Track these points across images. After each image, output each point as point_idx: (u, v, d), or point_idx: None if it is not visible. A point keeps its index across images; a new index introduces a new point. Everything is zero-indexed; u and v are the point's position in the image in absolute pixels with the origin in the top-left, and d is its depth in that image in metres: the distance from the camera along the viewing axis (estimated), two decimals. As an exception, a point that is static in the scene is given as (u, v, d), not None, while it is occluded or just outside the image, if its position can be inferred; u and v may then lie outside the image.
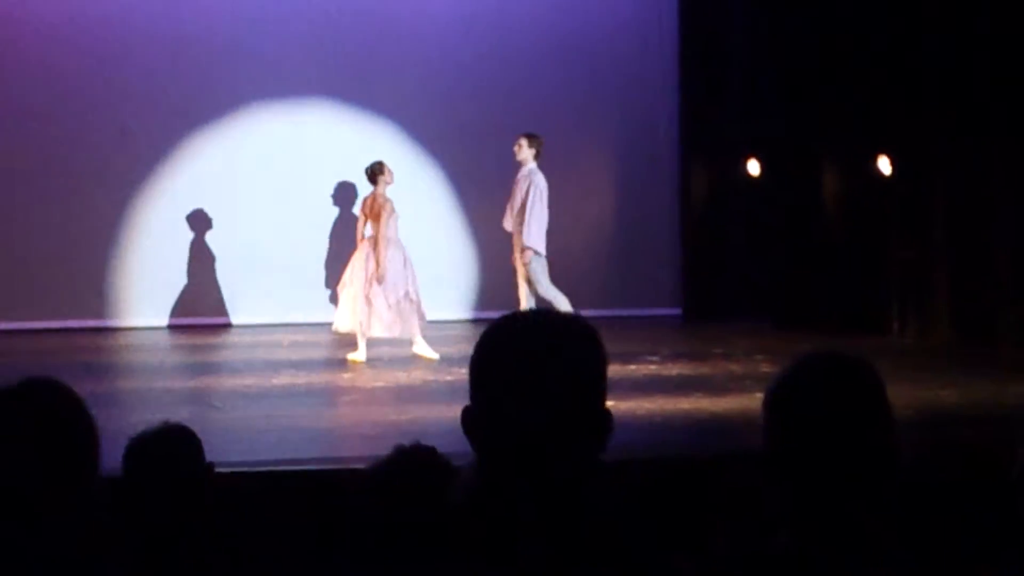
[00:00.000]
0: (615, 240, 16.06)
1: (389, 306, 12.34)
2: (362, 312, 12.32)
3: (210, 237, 15.54)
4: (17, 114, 15.03)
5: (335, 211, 15.63)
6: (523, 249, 12.78)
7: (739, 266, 15.57)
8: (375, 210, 12.47)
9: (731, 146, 15.73)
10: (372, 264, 12.34)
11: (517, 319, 2.30)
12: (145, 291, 15.38)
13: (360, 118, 15.69)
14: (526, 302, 12.84)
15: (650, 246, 16.03)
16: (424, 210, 15.15)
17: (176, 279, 15.54)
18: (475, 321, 15.42)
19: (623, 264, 15.96)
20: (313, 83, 15.59)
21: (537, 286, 12.81)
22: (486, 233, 15.22)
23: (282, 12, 15.49)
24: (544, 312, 2.32)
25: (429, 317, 12.79)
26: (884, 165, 14.10)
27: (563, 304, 12.48)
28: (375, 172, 12.66)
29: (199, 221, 15.49)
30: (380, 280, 12.27)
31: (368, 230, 12.56)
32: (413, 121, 15.68)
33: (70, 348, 13.49)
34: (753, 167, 15.57)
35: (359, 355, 12.36)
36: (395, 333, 12.45)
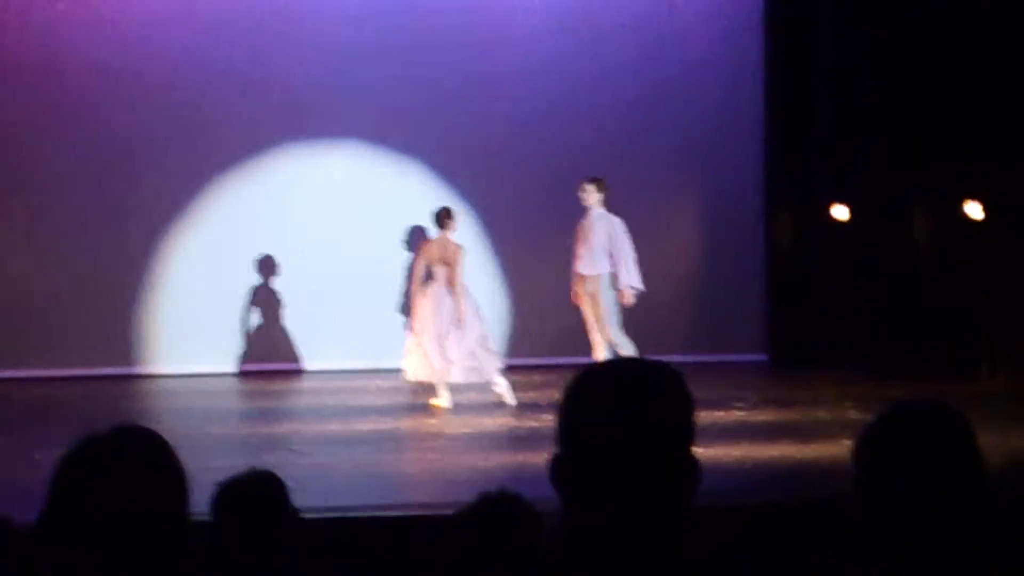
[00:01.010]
0: (701, 285, 16.00)
1: (468, 352, 12.35)
2: (439, 359, 12.31)
3: (271, 282, 15.55)
4: (57, 154, 15.06)
5: (389, 253, 15.61)
6: (618, 290, 12.75)
7: (826, 312, 15.45)
8: (446, 256, 12.46)
9: (818, 191, 15.66)
10: (447, 310, 12.34)
11: (605, 366, 2.29)
12: (204, 337, 15.33)
13: (413, 163, 15.72)
14: (601, 347, 12.80)
15: (736, 291, 15.96)
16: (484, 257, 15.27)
17: (235, 325, 15.52)
18: (506, 368, 15.41)
19: (709, 309, 15.90)
20: (375, 126, 15.59)
21: (610, 328, 12.78)
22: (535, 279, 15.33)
23: (334, 50, 15.52)
24: (632, 360, 2.31)
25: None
26: (974, 210, 13.97)
27: (630, 350, 12.49)
28: (446, 217, 12.66)
29: (263, 265, 15.51)
30: (462, 325, 12.30)
31: (428, 275, 12.53)
32: (484, 172, 15.70)
33: (140, 394, 13.59)
34: (840, 212, 15.47)
35: (443, 401, 12.37)
36: (474, 378, 12.46)
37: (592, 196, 12.90)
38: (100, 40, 15.17)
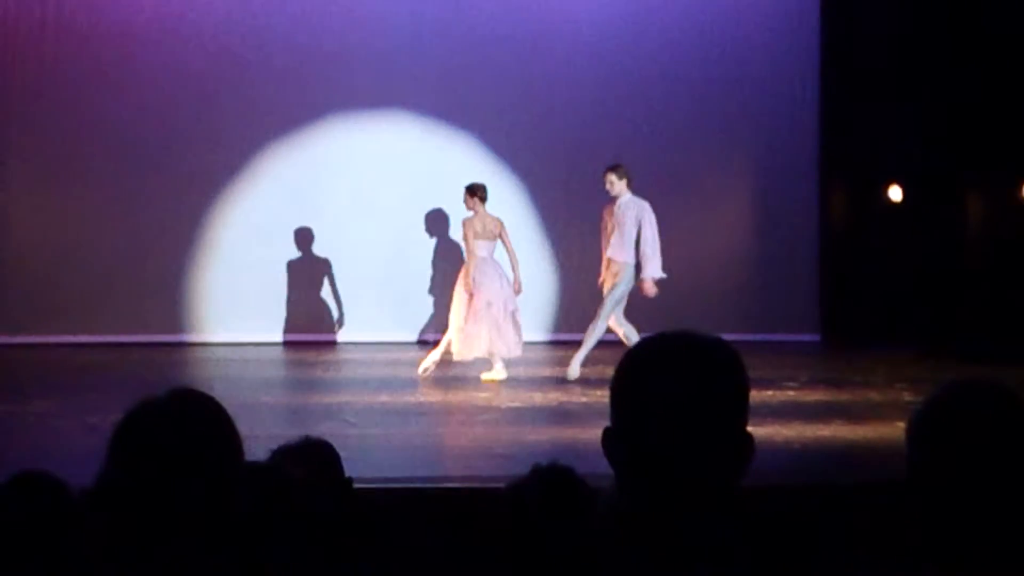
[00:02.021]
0: (755, 265, 15.95)
1: (513, 324, 12.45)
2: (496, 334, 12.38)
3: (315, 253, 15.60)
4: (110, 122, 15.15)
5: (426, 229, 15.65)
6: (641, 280, 12.65)
7: (879, 293, 15.39)
8: (490, 230, 12.53)
9: (872, 171, 15.57)
10: (498, 284, 12.43)
11: (659, 340, 2.29)
12: (251, 306, 15.41)
13: (457, 135, 15.71)
14: (622, 326, 12.69)
15: (789, 271, 15.90)
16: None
17: (276, 295, 15.57)
18: (555, 343, 15.38)
19: (762, 289, 15.85)
20: (431, 99, 15.62)
21: (607, 312, 12.65)
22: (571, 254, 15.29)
23: (382, 20, 15.53)
24: (687, 334, 2.31)
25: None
26: (1030, 192, 13.87)
27: (634, 336, 12.47)
28: (484, 193, 12.74)
29: (305, 236, 15.56)
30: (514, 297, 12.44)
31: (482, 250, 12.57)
32: (538, 142, 15.69)
33: (189, 362, 13.66)
34: (895, 193, 15.39)
35: (496, 374, 12.40)
36: (517, 352, 12.52)
37: (616, 184, 12.76)
38: (146, 6, 15.22)
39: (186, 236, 15.36)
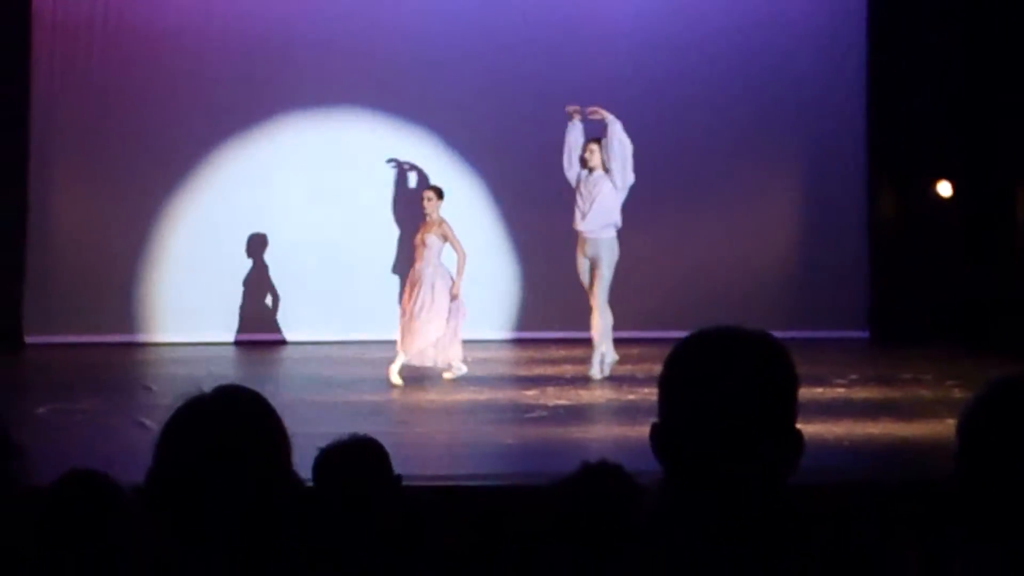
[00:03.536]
0: (803, 261, 15.88)
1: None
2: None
3: (264, 253, 15.42)
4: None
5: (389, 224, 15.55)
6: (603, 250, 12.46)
7: (928, 289, 15.30)
8: (443, 231, 12.36)
9: (921, 167, 15.48)
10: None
11: (709, 336, 2.29)
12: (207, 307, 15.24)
13: (417, 130, 15.61)
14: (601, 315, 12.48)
15: (837, 268, 15.82)
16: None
17: (231, 294, 15.38)
18: (515, 341, 15.31)
19: (810, 285, 15.77)
20: (379, 93, 15.41)
21: (606, 289, 12.47)
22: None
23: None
24: (736, 330, 2.30)
25: (470, 336, 12.72)
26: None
27: (609, 319, 12.38)
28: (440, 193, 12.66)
29: (254, 240, 15.47)
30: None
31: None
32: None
33: (197, 360, 13.63)
34: (944, 188, 15.30)
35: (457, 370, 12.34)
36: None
37: (595, 157, 12.54)
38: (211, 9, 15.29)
39: (139, 239, 15.35)
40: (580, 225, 12.48)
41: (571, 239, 12.68)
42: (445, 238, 12.34)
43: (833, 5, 15.96)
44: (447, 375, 12.22)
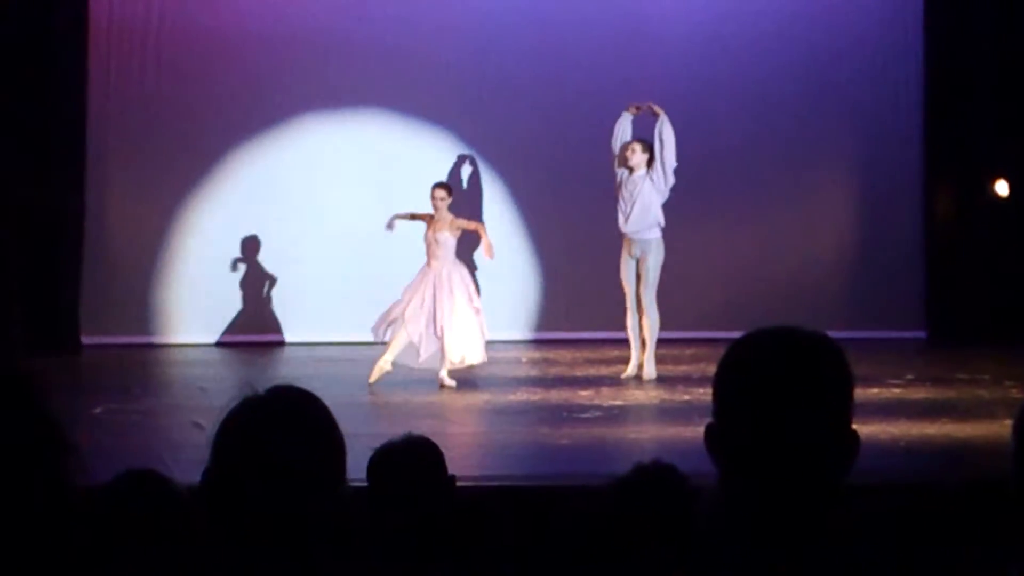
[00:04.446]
0: (859, 260, 15.80)
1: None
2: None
3: (261, 253, 15.40)
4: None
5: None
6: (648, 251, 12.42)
7: (986, 289, 15.18)
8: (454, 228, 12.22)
9: (979, 165, 15.37)
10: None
11: (764, 336, 2.28)
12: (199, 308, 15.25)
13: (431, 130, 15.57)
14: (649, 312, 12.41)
15: (894, 267, 15.73)
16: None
17: (231, 295, 15.35)
18: (535, 342, 15.22)
19: (866, 285, 15.69)
20: (386, 95, 15.40)
21: (654, 288, 12.44)
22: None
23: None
24: (791, 329, 2.29)
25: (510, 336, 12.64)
26: None
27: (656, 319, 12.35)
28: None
29: (250, 239, 15.40)
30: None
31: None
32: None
33: (250, 361, 13.62)
34: (1001, 187, 15.18)
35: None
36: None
37: (636, 155, 12.48)
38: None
39: (153, 245, 15.34)
40: (624, 227, 12.47)
41: (595, 239, 12.70)
42: (460, 230, 12.26)
43: (890, 4, 15.87)
44: (449, 382, 11.97)
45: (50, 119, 14.39)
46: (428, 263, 12.15)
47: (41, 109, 14.29)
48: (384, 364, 11.84)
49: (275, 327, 15.38)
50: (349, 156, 15.39)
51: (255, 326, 15.29)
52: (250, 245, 15.34)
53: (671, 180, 12.45)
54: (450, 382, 11.89)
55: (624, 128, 12.57)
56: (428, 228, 12.23)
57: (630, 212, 12.42)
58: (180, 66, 15.25)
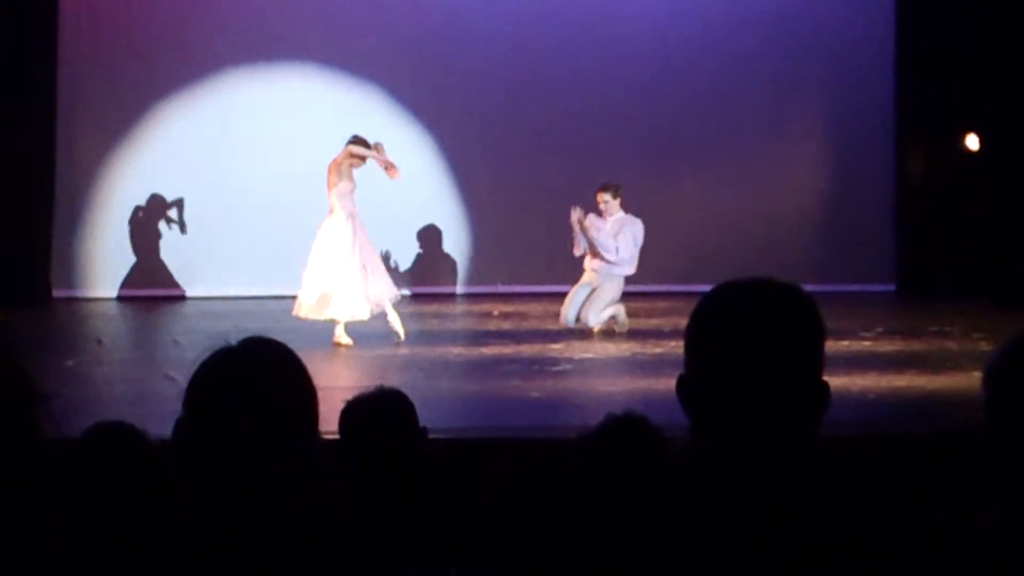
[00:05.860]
0: (830, 214, 15.83)
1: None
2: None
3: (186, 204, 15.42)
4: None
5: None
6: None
7: (955, 243, 15.23)
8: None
9: (949, 120, 15.38)
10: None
11: (735, 287, 2.28)
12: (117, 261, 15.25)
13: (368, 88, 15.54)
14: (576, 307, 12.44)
15: (864, 221, 15.77)
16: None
17: (255, 247, 15.26)
18: (507, 295, 15.11)
19: (837, 238, 15.73)
20: (309, 48, 15.34)
21: (599, 310, 12.39)
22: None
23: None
24: (763, 280, 2.30)
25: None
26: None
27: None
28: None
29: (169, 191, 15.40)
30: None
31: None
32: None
33: (223, 313, 13.55)
34: (972, 142, 15.21)
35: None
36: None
37: (612, 205, 12.37)
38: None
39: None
40: (586, 263, 12.48)
41: (573, 190, 12.84)
42: (351, 167, 11.82)
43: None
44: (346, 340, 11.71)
45: (19, 70, 14.29)
46: (349, 214, 11.86)
47: (12, 60, 14.19)
48: (394, 322, 11.80)
49: (249, 280, 15.29)
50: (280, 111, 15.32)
51: (229, 279, 15.20)
52: (231, 197, 15.22)
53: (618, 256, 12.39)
54: (347, 340, 11.70)
55: (580, 239, 12.50)
56: (349, 180, 11.90)
57: (591, 253, 12.40)
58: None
